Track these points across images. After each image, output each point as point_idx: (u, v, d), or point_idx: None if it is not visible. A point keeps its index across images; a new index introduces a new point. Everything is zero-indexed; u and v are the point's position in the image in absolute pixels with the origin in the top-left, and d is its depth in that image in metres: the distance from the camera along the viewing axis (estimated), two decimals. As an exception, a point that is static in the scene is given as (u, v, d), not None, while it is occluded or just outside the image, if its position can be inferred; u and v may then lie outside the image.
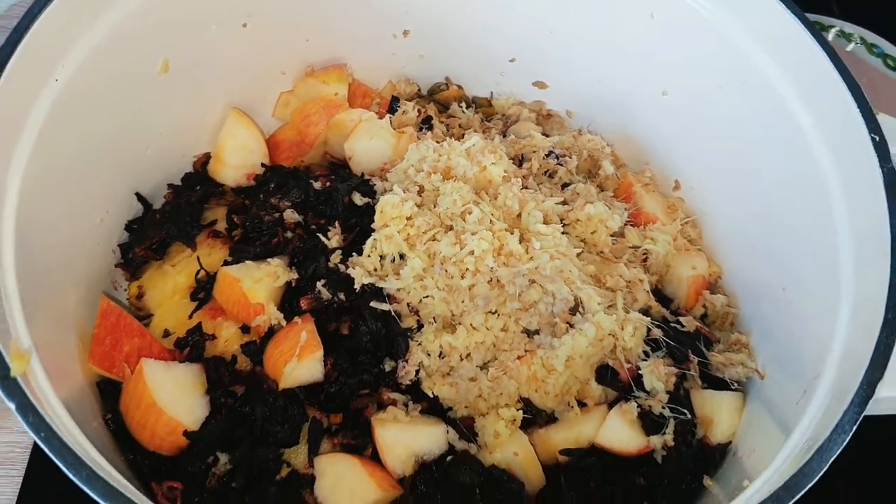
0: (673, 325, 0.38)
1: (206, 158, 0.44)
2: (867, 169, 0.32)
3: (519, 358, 0.36)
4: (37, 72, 0.33)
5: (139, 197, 0.42)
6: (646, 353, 0.37)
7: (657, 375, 0.35)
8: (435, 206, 0.38)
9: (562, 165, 0.43)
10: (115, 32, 0.36)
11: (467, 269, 0.36)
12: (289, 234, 0.39)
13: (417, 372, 0.36)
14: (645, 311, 0.38)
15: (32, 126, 0.33)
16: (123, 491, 0.25)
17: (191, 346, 0.37)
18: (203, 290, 0.39)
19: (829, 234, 0.33)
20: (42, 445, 0.26)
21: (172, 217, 0.41)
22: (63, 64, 0.34)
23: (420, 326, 0.37)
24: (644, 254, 0.41)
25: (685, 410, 0.36)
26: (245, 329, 0.37)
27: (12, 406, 0.26)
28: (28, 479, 0.39)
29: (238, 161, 0.42)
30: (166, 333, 0.38)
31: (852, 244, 0.32)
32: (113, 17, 0.36)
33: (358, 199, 0.39)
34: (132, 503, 0.25)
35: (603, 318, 0.36)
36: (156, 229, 0.41)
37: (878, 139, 0.31)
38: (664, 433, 0.35)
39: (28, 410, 0.26)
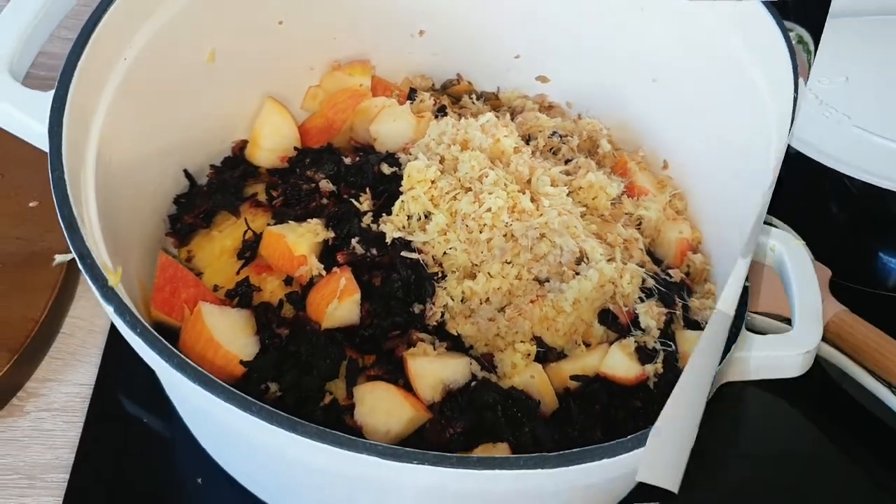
0: (663, 276, 0.43)
1: (243, 144, 0.49)
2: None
3: (532, 302, 0.40)
4: (109, 51, 0.37)
5: (186, 174, 0.46)
6: (640, 299, 0.42)
7: (651, 315, 0.41)
8: (455, 172, 0.43)
9: (564, 144, 0.48)
10: (172, 22, 0.40)
11: (485, 224, 0.41)
12: (324, 201, 0.43)
13: (443, 314, 0.40)
14: (640, 266, 0.43)
15: (106, 96, 0.37)
16: (212, 377, 0.29)
17: (240, 297, 0.41)
18: (249, 250, 0.43)
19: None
20: (138, 339, 0.29)
21: (218, 189, 0.46)
22: (130, 45, 0.38)
23: (444, 276, 0.41)
24: (638, 220, 0.47)
25: (671, 343, 0.40)
26: (288, 281, 0.42)
27: (110, 309, 0.29)
28: (88, 424, 0.42)
29: (272, 144, 0.47)
30: (216, 288, 0.42)
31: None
32: (170, 8, 0.39)
33: (385, 169, 0.44)
34: (221, 386, 0.28)
35: (605, 265, 0.41)
36: (203, 199, 0.45)
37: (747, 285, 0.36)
38: (656, 363, 0.39)
39: (125, 311, 0.30)
